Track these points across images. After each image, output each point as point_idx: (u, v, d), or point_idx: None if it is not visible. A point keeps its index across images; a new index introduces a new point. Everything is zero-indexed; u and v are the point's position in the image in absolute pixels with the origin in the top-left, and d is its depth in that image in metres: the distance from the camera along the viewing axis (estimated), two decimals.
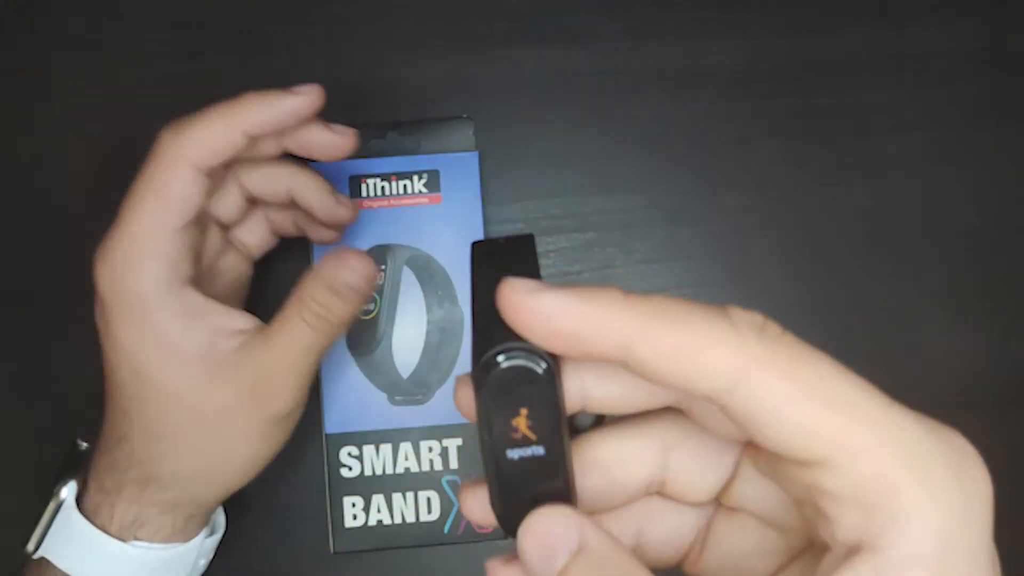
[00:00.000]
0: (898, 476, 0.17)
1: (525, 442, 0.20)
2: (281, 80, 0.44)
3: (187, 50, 0.44)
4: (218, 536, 0.38)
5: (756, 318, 0.19)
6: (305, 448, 0.42)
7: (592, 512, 0.22)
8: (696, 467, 0.22)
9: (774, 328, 0.18)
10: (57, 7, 0.44)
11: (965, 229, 0.44)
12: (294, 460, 0.42)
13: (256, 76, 0.44)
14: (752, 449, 0.22)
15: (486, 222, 0.42)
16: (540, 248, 0.44)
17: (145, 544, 0.34)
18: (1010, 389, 0.43)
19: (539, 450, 0.20)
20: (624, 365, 0.19)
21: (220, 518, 0.39)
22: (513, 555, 0.21)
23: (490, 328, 0.19)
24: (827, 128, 0.44)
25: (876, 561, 0.17)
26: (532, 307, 0.18)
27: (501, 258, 0.22)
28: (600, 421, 0.42)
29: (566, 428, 0.20)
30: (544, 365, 0.19)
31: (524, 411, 0.19)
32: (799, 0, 0.44)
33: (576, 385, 0.21)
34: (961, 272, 0.43)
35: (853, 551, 0.18)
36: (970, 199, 0.44)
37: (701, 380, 0.18)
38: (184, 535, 0.35)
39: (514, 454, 0.20)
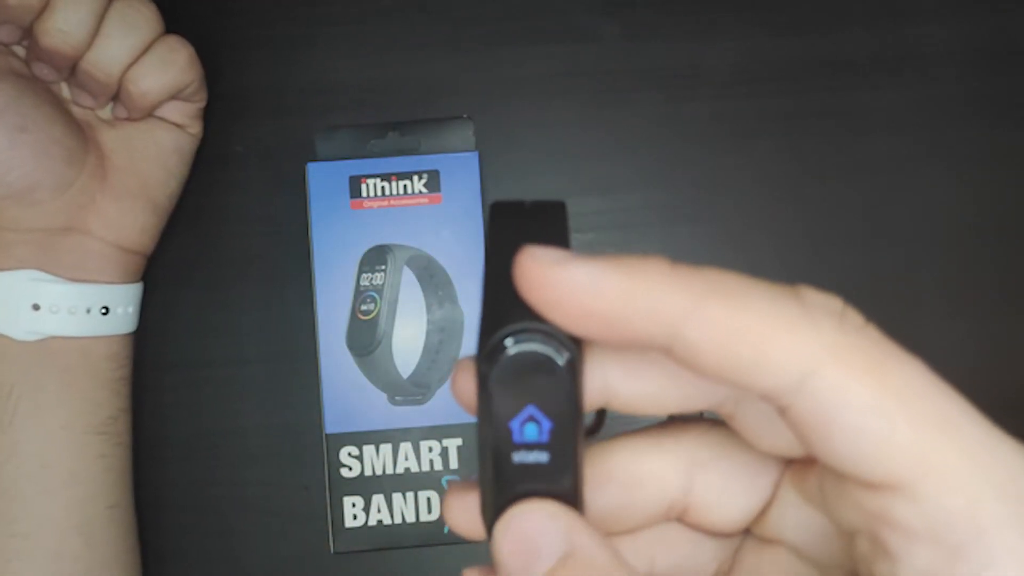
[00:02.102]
0: (995, 515, 0.14)
1: (532, 445, 0.17)
2: (281, 79, 0.44)
3: None
4: None
5: (835, 303, 0.15)
6: (305, 448, 0.42)
7: None
8: (728, 490, 0.19)
9: (856, 318, 0.15)
10: None
11: (964, 228, 0.43)
12: (294, 460, 0.42)
13: (256, 76, 0.44)
14: (799, 469, 0.19)
15: (486, 221, 0.42)
16: None
17: None
18: (1009, 389, 0.43)
19: (546, 456, 0.17)
20: (668, 352, 0.16)
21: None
22: (465, 487, 0.18)
23: (503, 305, 0.16)
24: (825, 127, 0.44)
25: None
26: (560, 282, 0.15)
27: (525, 224, 0.18)
28: (600, 420, 0.42)
29: (582, 433, 0.17)
30: (566, 355, 0.16)
31: (534, 408, 0.16)
32: (796, 0, 0.44)
33: (598, 379, 0.17)
34: (960, 271, 0.43)
35: None
36: (969, 198, 0.44)
37: (763, 373, 0.15)
38: None
39: (517, 458, 0.17)
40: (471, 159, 0.42)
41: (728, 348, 0.15)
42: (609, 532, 0.19)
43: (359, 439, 0.41)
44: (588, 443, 0.19)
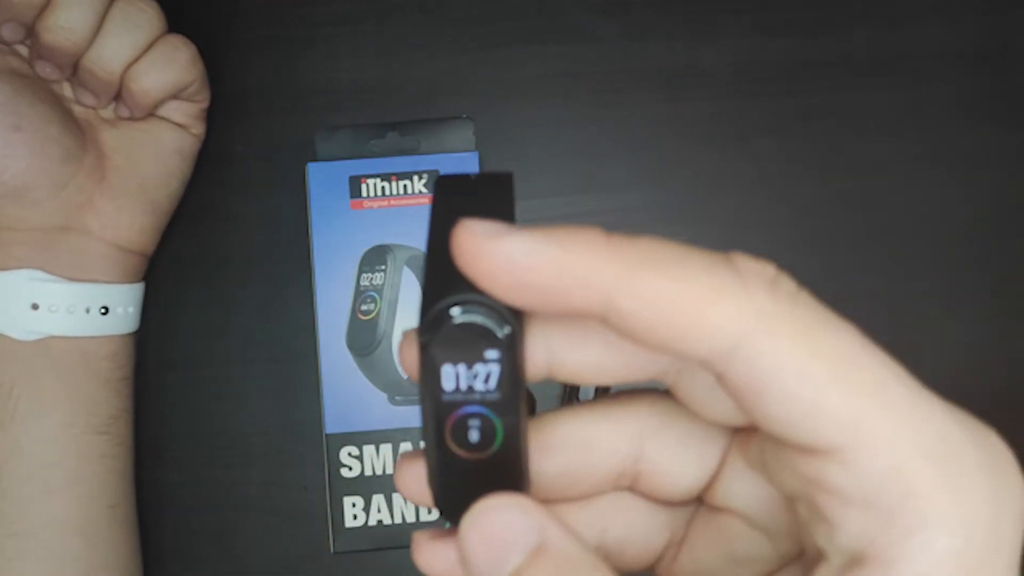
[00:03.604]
0: (923, 477, 0.14)
1: (474, 414, 0.17)
2: (281, 79, 0.44)
3: None
4: None
5: (767, 269, 0.15)
6: (305, 448, 0.42)
7: (547, 501, 0.18)
8: (677, 459, 0.19)
9: (788, 283, 0.15)
10: None
11: (962, 228, 0.43)
12: (294, 460, 0.42)
13: (256, 76, 0.44)
14: (743, 437, 0.19)
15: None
16: None
17: None
18: (1007, 389, 0.43)
19: (488, 427, 0.17)
20: (604, 321, 0.16)
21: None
22: (443, 531, 0.18)
23: (445, 277, 0.16)
24: (824, 127, 0.44)
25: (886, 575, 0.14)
26: (494, 255, 0.15)
27: (470, 198, 0.18)
28: (531, 406, 0.42)
29: (524, 403, 0.17)
30: (507, 329, 0.16)
31: (475, 377, 0.16)
32: (796, 0, 0.44)
33: (542, 349, 0.17)
34: (958, 272, 0.43)
35: (855, 562, 0.15)
36: (967, 198, 0.44)
37: (696, 340, 0.15)
38: None
39: (459, 429, 0.17)
40: (471, 159, 0.42)
41: (660, 317, 0.15)
42: (558, 499, 0.19)
43: (359, 439, 0.41)
44: (537, 414, 0.19)
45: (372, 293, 0.41)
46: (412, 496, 0.19)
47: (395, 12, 0.44)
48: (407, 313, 0.42)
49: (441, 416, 0.17)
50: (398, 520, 0.41)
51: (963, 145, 0.44)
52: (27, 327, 0.37)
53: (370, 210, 0.42)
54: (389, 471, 0.41)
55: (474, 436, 0.17)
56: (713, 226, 0.43)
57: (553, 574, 0.16)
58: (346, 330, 0.41)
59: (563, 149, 0.44)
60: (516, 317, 0.16)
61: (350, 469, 0.41)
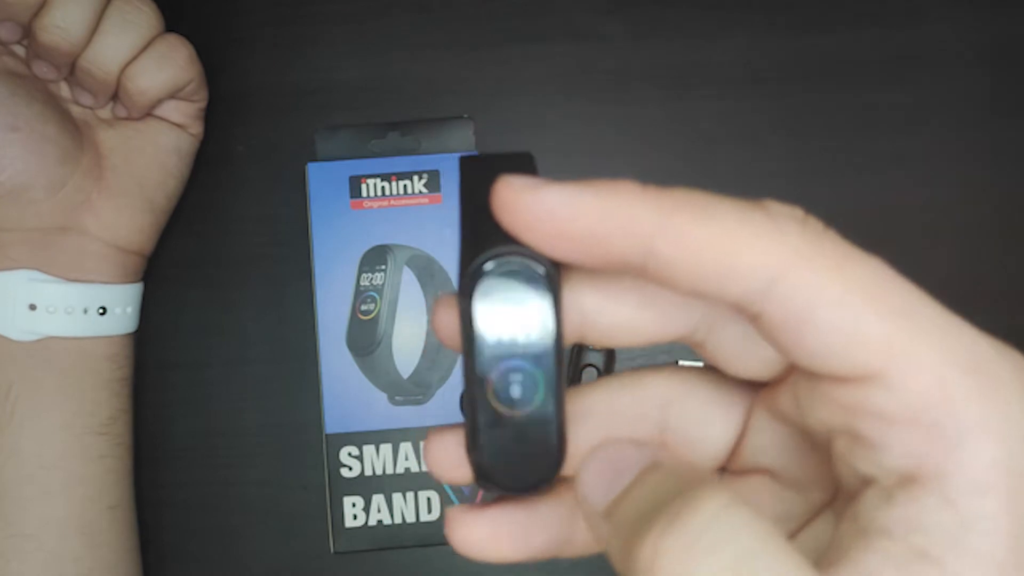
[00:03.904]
0: (964, 390, 0.15)
1: (518, 369, 0.17)
2: (281, 79, 0.44)
3: None
4: None
5: (797, 211, 0.16)
6: (305, 448, 0.42)
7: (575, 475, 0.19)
8: (701, 424, 0.20)
9: (817, 223, 0.16)
10: None
11: (973, 226, 0.43)
12: (294, 460, 0.42)
13: (256, 75, 0.44)
14: (768, 392, 0.19)
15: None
16: None
17: None
18: None
19: (531, 380, 0.17)
20: (642, 270, 0.16)
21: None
22: (476, 505, 0.19)
23: (482, 238, 0.16)
24: (833, 126, 0.43)
25: (941, 489, 0.15)
26: (535, 206, 0.16)
27: (495, 172, 0.18)
28: (610, 361, 0.41)
29: (563, 357, 0.17)
30: (546, 278, 0.16)
31: (519, 326, 0.17)
32: None
33: (575, 310, 0.18)
34: (970, 269, 0.43)
35: (907, 480, 0.15)
36: (981, 197, 0.43)
37: (734, 280, 0.15)
38: None
39: (502, 383, 0.17)
40: None
41: (699, 259, 0.16)
42: None
43: (359, 439, 0.41)
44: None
45: (372, 293, 0.41)
46: (444, 472, 0.19)
47: (395, 10, 0.44)
48: (407, 313, 0.41)
49: (485, 371, 0.17)
50: (398, 520, 0.41)
51: (973, 142, 0.43)
52: (25, 328, 0.37)
53: (370, 210, 0.42)
54: (389, 471, 0.41)
55: (516, 391, 0.17)
56: None
57: (663, 483, 0.17)
58: (346, 330, 0.41)
59: (565, 149, 0.44)
60: (555, 271, 0.17)
61: (350, 469, 0.41)
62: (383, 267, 0.41)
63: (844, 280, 0.15)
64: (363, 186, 0.42)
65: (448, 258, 0.42)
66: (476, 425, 0.17)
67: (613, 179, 0.16)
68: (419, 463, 0.41)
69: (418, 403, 0.41)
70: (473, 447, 0.18)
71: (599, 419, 0.19)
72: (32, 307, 0.36)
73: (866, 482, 0.16)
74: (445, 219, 0.42)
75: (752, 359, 0.18)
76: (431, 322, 0.18)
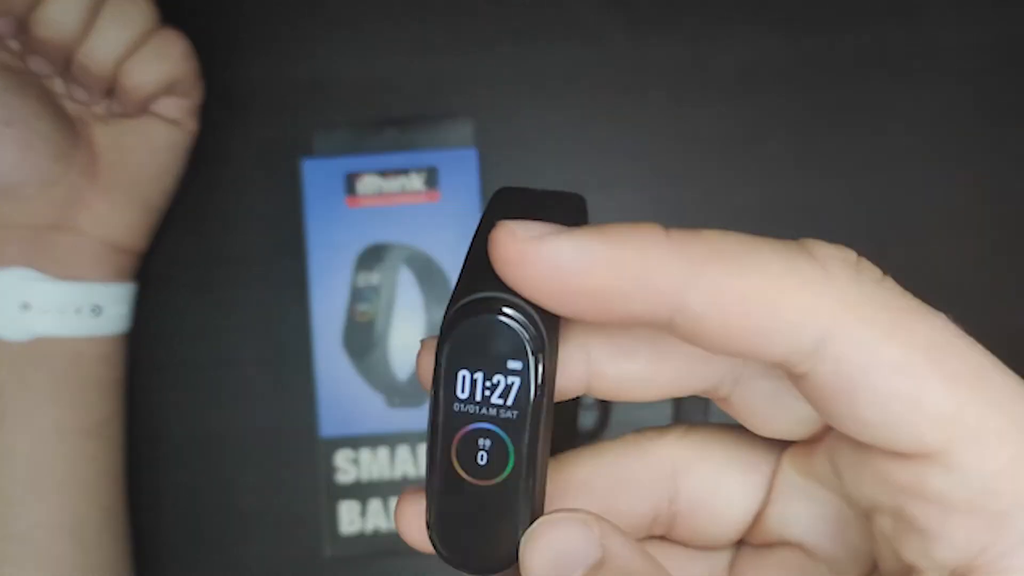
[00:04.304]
0: None
1: (487, 432, 0.15)
2: (277, 75, 0.43)
3: None
4: None
5: (849, 254, 0.14)
6: (301, 452, 0.41)
7: None
8: (719, 492, 0.17)
9: (872, 269, 0.14)
10: None
11: (976, 227, 0.42)
12: (289, 464, 0.41)
13: (251, 71, 0.43)
14: (801, 452, 0.17)
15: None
16: None
17: None
18: None
19: (502, 449, 0.15)
20: (669, 328, 0.14)
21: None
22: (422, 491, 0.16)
23: (481, 277, 0.14)
24: (834, 126, 0.43)
25: None
26: (539, 259, 0.13)
27: (531, 208, 0.15)
28: (604, 422, 0.41)
29: (545, 429, 0.15)
30: (536, 338, 0.14)
31: (494, 385, 0.14)
32: None
33: (580, 358, 0.16)
34: (972, 270, 0.42)
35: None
36: (981, 198, 0.43)
37: (777, 338, 0.13)
38: None
39: (466, 453, 0.15)
40: (470, 156, 0.41)
41: (737, 315, 0.13)
42: None
43: (355, 442, 0.40)
44: (558, 454, 0.17)
45: (369, 293, 0.41)
46: (414, 539, 0.17)
47: (393, 7, 0.43)
48: (405, 313, 0.41)
49: (449, 428, 0.15)
50: (395, 526, 0.40)
51: (975, 145, 0.43)
52: (18, 327, 0.36)
53: (367, 208, 0.41)
54: (386, 476, 0.40)
55: (482, 458, 0.15)
56: (718, 225, 0.42)
57: None
58: (342, 331, 0.41)
59: (564, 147, 0.43)
60: (551, 323, 0.14)
61: (346, 473, 0.40)
62: (380, 266, 0.41)
63: (904, 340, 0.13)
64: (359, 183, 0.41)
65: (447, 258, 0.41)
66: (433, 489, 0.15)
67: (633, 225, 0.14)
68: (417, 467, 0.40)
69: (416, 405, 0.40)
70: (429, 508, 0.16)
71: (598, 492, 0.17)
72: (25, 306, 0.36)
73: (910, 571, 0.14)
74: (444, 217, 0.41)
75: (785, 418, 0.16)
76: (416, 361, 0.16)
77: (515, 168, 0.43)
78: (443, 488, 0.15)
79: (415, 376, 0.40)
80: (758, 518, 0.17)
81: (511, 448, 0.15)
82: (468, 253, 0.15)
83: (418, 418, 0.40)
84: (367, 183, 0.41)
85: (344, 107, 0.43)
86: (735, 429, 0.18)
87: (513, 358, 0.14)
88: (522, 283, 0.14)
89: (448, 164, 0.41)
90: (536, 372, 0.14)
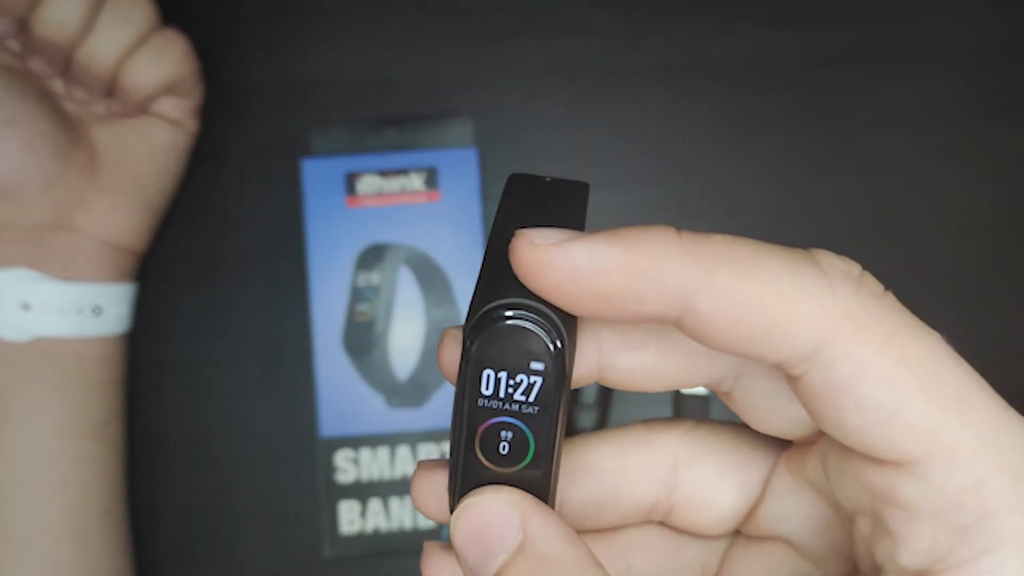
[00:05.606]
0: (1003, 497, 0.13)
1: (509, 425, 0.16)
2: (277, 75, 0.43)
3: None
4: None
5: (853, 267, 0.15)
6: (301, 452, 0.41)
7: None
8: (716, 487, 0.18)
9: (875, 285, 0.15)
10: None
11: (974, 225, 0.42)
12: (289, 464, 0.41)
13: (251, 71, 0.43)
14: (795, 453, 0.18)
15: (486, 219, 0.41)
16: None
17: None
18: (1020, 386, 0.41)
19: (522, 439, 0.16)
20: (678, 325, 0.15)
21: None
22: (437, 465, 0.18)
23: (501, 277, 0.15)
24: (833, 123, 0.43)
25: None
26: (560, 264, 0.14)
27: (541, 200, 0.17)
28: (603, 423, 0.41)
29: (562, 423, 0.16)
30: (558, 343, 0.15)
31: (518, 385, 0.16)
32: None
33: (592, 350, 0.17)
34: (971, 269, 0.42)
35: None
36: (979, 195, 0.43)
37: (777, 342, 0.14)
38: None
39: (491, 438, 0.16)
40: (470, 155, 0.41)
41: (741, 319, 0.14)
42: (586, 529, 0.19)
43: (355, 442, 0.40)
44: (572, 436, 0.18)
45: (369, 293, 0.41)
46: (427, 509, 0.18)
47: (393, 6, 0.43)
48: (405, 313, 0.41)
49: (474, 422, 0.16)
50: (396, 526, 0.40)
51: (974, 140, 0.43)
52: (18, 327, 0.36)
53: (367, 208, 0.41)
54: (386, 475, 0.40)
55: (504, 448, 0.16)
56: (718, 223, 0.42)
57: (532, 574, 0.15)
58: (342, 331, 0.40)
59: (564, 145, 0.43)
60: (569, 324, 0.16)
61: (346, 473, 0.40)
62: (380, 266, 0.41)
63: (895, 355, 0.14)
64: (359, 183, 0.41)
65: (447, 258, 0.41)
66: (458, 474, 0.17)
67: (646, 228, 0.15)
68: None
69: (416, 405, 0.40)
70: (453, 494, 0.17)
71: (602, 477, 0.18)
72: (25, 306, 0.36)
73: (877, 571, 0.15)
74: (444, 217, 0.41)
75: (783, 417, 0.17)
76: (437, 351, 0.17)
77: (515, 168, 0.43)
78: (465, 473, 0.16)
79: (415, 376, 0.40)
80: (752, 513, 0.18)
81: (531, 440, 0.16)
82: (486, 253, 0.17)
83: (418, 418, 0.40)
84: (367, 183, 0.41)
85: (344, 107, 0.43)
86: (737, 428, 0.19)
87: (536, 360, 0.15)
88: (543, 289, 0.15)
89: (448, 164, 0.41)
90: (557, 374, 0.15)
